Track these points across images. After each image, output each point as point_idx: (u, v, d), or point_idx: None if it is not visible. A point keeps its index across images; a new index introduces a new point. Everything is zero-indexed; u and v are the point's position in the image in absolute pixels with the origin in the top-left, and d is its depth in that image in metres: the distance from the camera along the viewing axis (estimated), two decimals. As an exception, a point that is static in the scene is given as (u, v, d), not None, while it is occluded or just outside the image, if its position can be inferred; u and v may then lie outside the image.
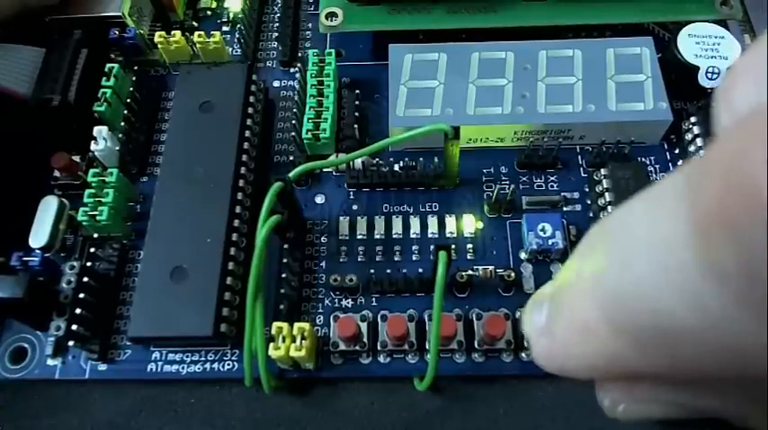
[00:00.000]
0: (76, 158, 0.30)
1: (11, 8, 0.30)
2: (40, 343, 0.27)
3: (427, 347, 0.25)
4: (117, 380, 0.26)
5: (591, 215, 0.29)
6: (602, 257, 0.15)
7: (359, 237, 0.28)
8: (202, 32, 0.32)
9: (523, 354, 0.26)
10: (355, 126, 0.31)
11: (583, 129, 0.30)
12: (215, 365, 0.26)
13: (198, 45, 0.32)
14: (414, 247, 0.28)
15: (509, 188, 0.28)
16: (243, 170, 0.28)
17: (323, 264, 0.28)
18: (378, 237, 0.28)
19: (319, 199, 0.30)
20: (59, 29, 0.31)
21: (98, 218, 0.27)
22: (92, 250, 0.27)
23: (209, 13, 0.36)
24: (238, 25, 0.34)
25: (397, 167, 0.29)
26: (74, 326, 0.25)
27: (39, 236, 0.28)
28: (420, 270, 0.27)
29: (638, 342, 0.15)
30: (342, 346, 0.26)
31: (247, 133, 0.29)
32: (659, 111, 0.29)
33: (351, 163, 0.29)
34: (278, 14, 0.36)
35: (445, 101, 0.30)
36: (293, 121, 0.30)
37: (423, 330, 0.26)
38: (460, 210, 0.29)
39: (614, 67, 0.30)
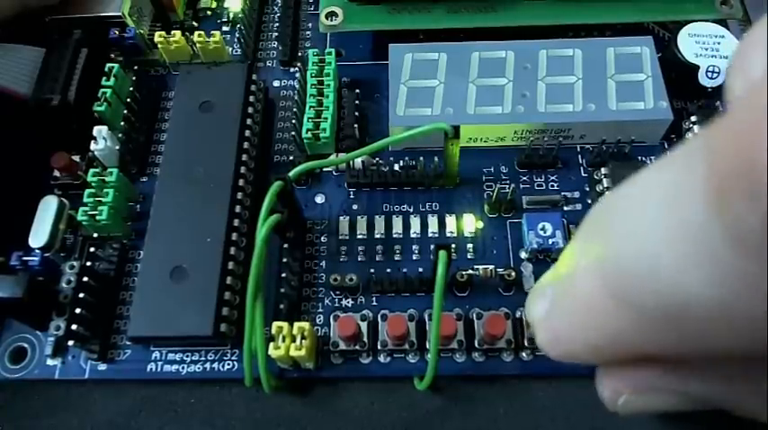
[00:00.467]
0: (76, 158, 0.30)
1: (11, 8, 0.30)
2: (40, 343, 0.27)
3: (427, 347, 0.25)
4: (117, 379, 0.26)
5: (591, 214, 0.29)
6: (605, 232, 0.15)
7: (359, 236, 0.28)
8: (202, 32, 0.32)
9: (524, 354, 0.25)
10: (355, 126, 0.31)
11: (583, 129, 0.29)
12: (215, 365, 0.26)
13: (198, 45, 0.32)
14: (414, 247, 0.28)
15: (509, 187, 0.28)
16: (243, 170, 0.28)
17: (323, 263, 0.28)
18: (378, 236, 0.28)
19: (319, 198, 0.30)
20: (59, 29, 0.31)
21: (98, 217, 0.27)
22: (92, 250, 0.27)
23: (209, 12, 0.36)
24: (238, 25, 0.34)
25: (397, 167, 0.29)
26: (74, 326, 0.25)
27: (38, 235, 0.28)
28: (420, 269, 0.27)
29: (643, 316, 0.14)
30: (342, 346, 0.25)
31: (247, 133, 0.29)
32: (659, 111, 0.29)
33: (351, 162, 0.29)
34: (278, 14, 0.36)
35: (445, 100, 0.30)
36: (293, 121, 0.30)
37: (423, 330, 0.26)
38: (461, 209, 0.29)
39: (614, 66, 0.30)
